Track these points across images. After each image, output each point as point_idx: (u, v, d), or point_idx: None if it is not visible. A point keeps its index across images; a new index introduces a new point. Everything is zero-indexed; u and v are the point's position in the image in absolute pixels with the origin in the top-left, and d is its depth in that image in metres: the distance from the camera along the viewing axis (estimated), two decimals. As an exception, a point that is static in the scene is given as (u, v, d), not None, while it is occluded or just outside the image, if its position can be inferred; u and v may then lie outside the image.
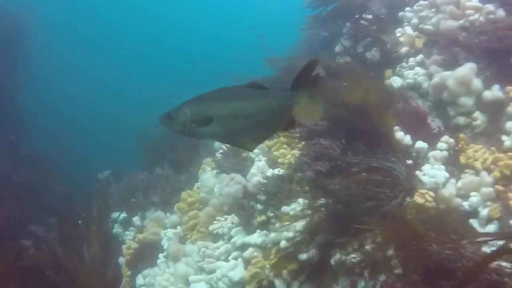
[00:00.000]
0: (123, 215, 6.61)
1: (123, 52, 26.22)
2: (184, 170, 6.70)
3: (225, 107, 2.05)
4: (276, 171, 4.79)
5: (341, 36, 6.42)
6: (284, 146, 5.00)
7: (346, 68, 4.50)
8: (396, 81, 5.15)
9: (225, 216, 4.77)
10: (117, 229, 6.45)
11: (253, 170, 4.74)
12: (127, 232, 6.30)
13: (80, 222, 5.38)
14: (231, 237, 4.59)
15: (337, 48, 6.34)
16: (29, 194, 7.43)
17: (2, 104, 9.60)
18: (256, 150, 5.20)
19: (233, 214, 4.72)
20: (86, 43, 25.48)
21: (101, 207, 5.68)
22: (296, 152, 4.86)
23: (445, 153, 4.37)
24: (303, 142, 4.50)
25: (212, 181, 5.17)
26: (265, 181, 4.67)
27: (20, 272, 4.68)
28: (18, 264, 4.77)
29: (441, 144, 4.45)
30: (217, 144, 5.87)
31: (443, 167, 4.27)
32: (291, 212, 4.41)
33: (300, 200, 4.47)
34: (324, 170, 4.10)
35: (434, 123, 4.81)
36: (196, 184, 5.87)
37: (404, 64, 5.34)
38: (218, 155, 5.51)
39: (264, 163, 4.84)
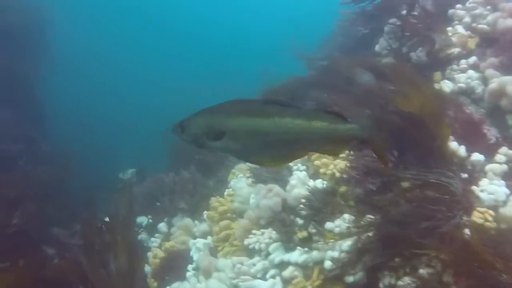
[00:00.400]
0: (149, 220, 6.33)
1: (150, 46, 25.72)
2: (212, 174, 6.38)
3: (240, 122, 1.90)
4: (318, 182, 4.42)
5: (382, 34, 5.99)
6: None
7: (396, 70, 4.09)
8: (447, 85, 4.74)
9: (262, 230, 4.43)
10: (142, 235, 6.16)
11: (293, 181, 4.39)
12: (152, 239, 6.01)
13: (104, 228, 5.08)
14: (268, 254, 4.26)
15: (378, 47, 5.93)
16: (50, 194, 7.18)
17: (22, 99, 9.36)
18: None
19: (270, 229, 4.38)
20: (111, 36, 25.10)
21: (126, 212, 5.36)
22: (340, 161, 4.49)
23: (504, 166, 3.96)
24: (350, 152, 4.11)
25: (246, 190, 4.83)
26: (306, 193, 4.31)
27: (43, 284, 4.41)
28: (42, 275, 4.49)
29: (499, 157, 4.04)
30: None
31: (503, 182, 3.86)
32: (336, 229, 4.06)
33: (346, 216, 4.11)
34: (374, 188, 3.73)
35: (490, 132, 4.39)
36: (226, 190, 5.54)
37: (454, 66, 4.93)
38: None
39: (305, 174, 4.48)
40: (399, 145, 3.90)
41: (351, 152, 4.15)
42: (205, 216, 5.55)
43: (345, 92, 4.32)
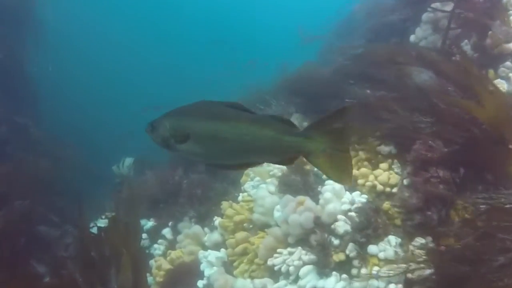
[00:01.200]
0: (151, 223, 5.67)
1: (159, 27, 24.49)
2: (222, 174, 5.70)
3: (203, 126, 1.85)
4: (356, 195, 3.78)
5: (419, 23, 5.32)
6: (365, 163, 3.97)
7: (461, 68, 3.43)
8: (502, 86, 4.09)
9: (289, 249, 3.80)
10: (143, 239, 5.50)
11: (327, 194, 3.74)
12: (155, 245, 5.36)
13: (103, 235, 4.42)
14: (298, 278, 3.65)
15: (414, 38, 5.26)
16: (40, 189, 6.48)
17: (10, 79, 8.54)
18: (325, 164, 4.19)
19: (300, 248, 3.75)
20: (114, 11, 23.74)
21: (129, 215, 4.71)
22: (381, 172, 3.85)
23: None
24: (407, 168, 3.48)
25: (269, 200, 4.17)
26: (343, 209, 3.68)
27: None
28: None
29: None
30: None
31: None
32: (381, 254, 3.44)
33: (392, 239, 3.49)
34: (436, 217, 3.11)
35: None
36: (240, 195, 4.90)
37: (509, 63, 4.28)
38: (277, 168, 4.48)
39: (341, 186, 3.82)
40: (465, 161, 3.26)
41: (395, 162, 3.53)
42: (216, 223, 4.92)
43: (393, 89, 3.65)
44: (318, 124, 1.77)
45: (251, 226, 4.49)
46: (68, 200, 7.21)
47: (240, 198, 4.89)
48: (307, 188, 4.09)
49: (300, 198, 3.83)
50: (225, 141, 1.81)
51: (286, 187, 4.23)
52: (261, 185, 4.59)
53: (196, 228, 5.00)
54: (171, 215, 5.59)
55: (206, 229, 5.03)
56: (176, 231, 5.36)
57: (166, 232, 5.35)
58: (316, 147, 1.73)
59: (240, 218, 4.49)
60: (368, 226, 3.56)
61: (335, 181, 1.86)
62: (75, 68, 18.21)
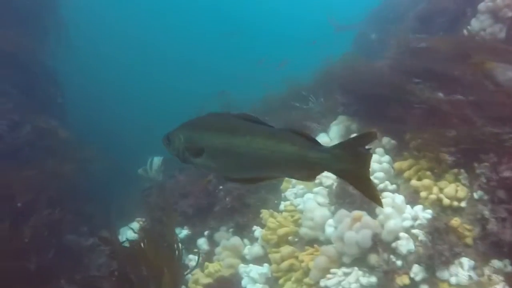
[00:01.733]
0: (185, 232, 5.36)
1: (178, 21, 24.17)
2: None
3: (217, 140, 1.76)
4: (418, 209, 3.40)
5: (475, 13, 4.86)
6: (427, 173, 3.57)
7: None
8: None
9: (344, 269, 3.44)
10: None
11: (388, 209, 3.36)
12: (190, 256, 5.05)
13: (138, 250, 4.12)
14: (356, 303, 3.27)
15: (470, 29, 4.81)
16: (67, 194, 6.23)
17: (34, 78, 8.28)
18: (379, 174, 3.81)
19: (357, 269, 3.39)
20: (132, 12, 23.43)
21: (164, 226, 4.42)
22: (446, 183, 3.46)
23: None
24: (482, 180, 3.07)
25: (320, 214, 3.81)
26: (405, 225, 3.30)
27: None
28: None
29: None
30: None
31: None
32: (452, 279, 3.06)
33: (464, 261, 3.10)
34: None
35: None
36: (282, 204, 4.56)
37: None
38: (325, 176, 4.11)
39: (403, 199, 3.44)
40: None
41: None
42: (256, 233, 4.59)
43: (469, 90, 3.22)
44: (345, 144, 1.69)
45: (296, 239, 4.15)
46: (97, 206, 7.01)
47: (282, 207, 4.55)
48: (362, 200, 3.71)
49: (356, 213, 3.46)
50: (240, 155, 1.74)
51: (338, 198, 3.86)
52: (306, 194, 4.23)
53: (235, 240, 4.66)
54: (206, 224, 5.28)
55: (245, 240, 4.70)
56: (212, 241, 5.05)
57: (202, 242, 5.04)
58: (342, 167, 1.65)
59: (284, 231, 4.14)
60: (435, 246, 3.18)
61: (370, 198, 1.69)
62: (94, 67, 18.02)
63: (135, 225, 6.16)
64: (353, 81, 4.39)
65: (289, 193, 4.64)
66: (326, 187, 4.06)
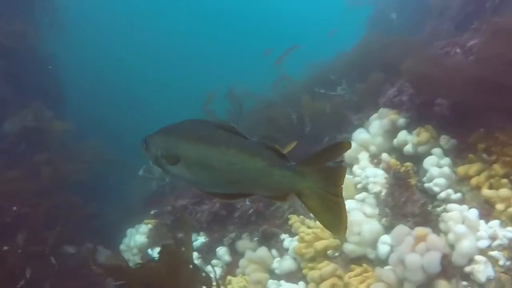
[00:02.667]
0: (202, 239, 4.79)
1: (182, 9, 23.27)
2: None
3: (192, 149, 1.64)
4: (496, 226, 2.81)
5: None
6: (503, 181, 2.97)
7: None
8: None
9: (405, 298, 2.86)
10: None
11: (459, 227, 2.77)
12: (209, 268, 4.48)
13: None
14: None
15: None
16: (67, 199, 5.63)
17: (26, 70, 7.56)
18: (440, 180, 3.22)
19: (421, 298, 2.81)
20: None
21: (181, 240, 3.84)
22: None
23: None
24: None
25: (369, 228, 3.23)
26: (481, 246, 2.72)
27: None
28: None
29: None
30: (363, 159, 3.87)
31: None
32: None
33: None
34: None
35: None
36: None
37: None
38: (371, 182, 3.51)
39: (477, 214, 2.85)
40: None
41: None
42: (286, 244, 4.02)
43: None
44: (310, 159, 1.49)
45: (336, 254, 3.57)
46: (101, 207, 6.44)
47: (315, 214, 3.96)
48: (422, 213, 3.12)
49: (420, 231, 2.87)
50: (213, 168, 1.61)
51: (389, 209, 3.27)
52: (347, 202, 3.63)
53: (262, 251, 4.09)
54: (225, 230, 4.70)
55: (273, 251, 4.12)
56: (234, 251, 4.48)
57: (223, 252, 4.46)
58: (307, 185, 1.47)
59: (323, 245, 3.56)
60: (522, 272, 2.60)
61: (329, 230, 1.51)
62: (92, 56, 17.23)
63: (144, 228, 5.60)
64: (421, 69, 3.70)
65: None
66: (373, 194, 3.46)
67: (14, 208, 4.89)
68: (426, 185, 3.29)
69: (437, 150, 3.36)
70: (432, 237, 2.81)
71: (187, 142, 1.67)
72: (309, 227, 3.85)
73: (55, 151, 6.58)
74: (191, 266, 3.71)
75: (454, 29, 5.45)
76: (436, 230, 2.98)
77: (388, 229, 3.24)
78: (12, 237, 4.33)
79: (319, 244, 3.57)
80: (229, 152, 1.56)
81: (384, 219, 3.27)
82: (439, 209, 3.13)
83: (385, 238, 3.11)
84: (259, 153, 1.53)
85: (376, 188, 3.43)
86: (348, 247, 3.32)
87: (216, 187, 1.67)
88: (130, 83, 17.27)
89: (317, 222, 3.81)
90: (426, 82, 3.37)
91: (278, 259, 4.01)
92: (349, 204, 3.56)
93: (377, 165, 3.78)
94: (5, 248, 3.90)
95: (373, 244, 3.21)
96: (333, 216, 1.45)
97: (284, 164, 1.51)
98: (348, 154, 4.01)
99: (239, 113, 6.49)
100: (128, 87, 16.68)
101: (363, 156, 3.90)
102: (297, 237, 3.99)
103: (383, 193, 3.42)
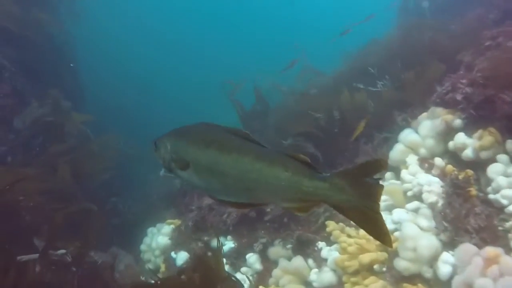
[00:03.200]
0: (230, 244, 4.48)
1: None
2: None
3: (202, 155, 1.59)
4: None
5: None
6: None
7: None
8: None
9: (472, 327, 2.50)
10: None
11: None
12: (239, 276, 4.18)
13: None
14: None
15: None
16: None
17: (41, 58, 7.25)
18: (509, 192, 2.84)
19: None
20: None
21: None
22: None
23: None
24: None
25: (426, 244, 2.88)
26: None
27: None
28: None
29: None
30: (412, 163, 3.50)
31: None
32: None
33: None
34: None
35: None
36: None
37: None
38: (426, 190, 3.13)
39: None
40: None
41: None
42: (324, 254, 3.70)
43: None
44: (349, 172, 1.45)
45: (384, 269, 3.23)
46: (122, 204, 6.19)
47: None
48: (486, 227, 2.75)
49: (491, 251, 2.51)
50: (225, 176, 1.53)
51: (449, 223, 2.90)
52: (397, 211, 3.27)
53: (298, 261, 3.77)
54: (255, 234, 4.38)
55: (310, 261, 3.80)
56: (265, 258, 4.17)
57: (253, 260, 4.15)
58: (346, 199, 1.42)
59: (369, 258, 3.22)
60: None
61: (377, 239, 1.44)
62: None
63: (167, 229, 5.32)
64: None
65: (404, 229, 3.70)
66: (428, 204, 3.09)
67: (31, 204, 4.62)
68: (491, 196, 2.91)
69: (503, 157, 2.98)
70: (506, 260, 2.45)
71: (197, 147, 1.61)
72: (349, 236, 3.51)
73: (73, 145, 6.28)
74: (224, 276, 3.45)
75: (502, 18, 5.02)
76: (506, 249, 2.62)
77: (447, 245, 2.88)
78: (29, 242, 4.10)
79: (365, 257, 3.23)
80: (244, 159, 1.51)
81: (442, 234, 2.90)
82: (507, 224, 2.76)
83: (447, 256, 2.76)
84: (279, 162, 1.48)
85: (432, 198, 3.06)
86: (401, 264, 2.97)
87: (228, 194, 1.60)
88: (149, 73, 16.95)
89: (360, 232, 3.48)
90: (493, 77, 2.98)
91: (316, 270, 3.70)
92: (399, 214, 3.20)
93: (428, 170, 3.41)
94: (25, 258, 3.63)
95: (430, 262, 2.86)
96: (374, 229, 1.43)
97: (315, 175, 1.45)
98: (394, 156, 3.65)
99: (266, 107, 6.13)
100: (147, 77, 16.36)
101: (412, 160, 3.53)
102: (336, 245, 3.67)
103: (439, 204, 3.05)
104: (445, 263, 2.74)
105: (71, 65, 7.70)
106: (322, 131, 4.50)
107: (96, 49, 14.01)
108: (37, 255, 4.00)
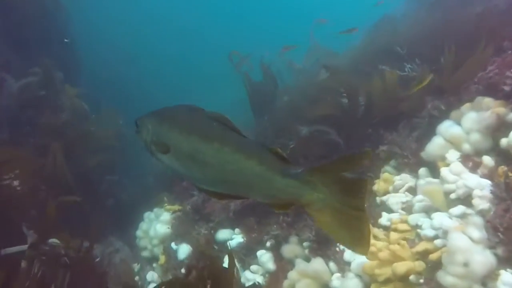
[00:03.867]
0: (238, 238, 4.08)
1: None
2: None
3: (183, 141, 1.53)
4: None
5: None
6: None
7: None
8: None
9: None
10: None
11: None
12: (248, 274, 3.81)
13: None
14: None
15: None
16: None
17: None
18: None
19: None
20: None
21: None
22: None
23: None
24: None
25: (481, 260, 2.48)
26: None
27: None
28: None
29: None
30: (454, 161, 3.08)
31: None
32: None
33: None
34: None
35: None
36: (385, 216, 3.26)
37: None
38: (478, 196, 2.72)
39: None
40: None
41: None
42: (346, 257, 3.32)
43: None
44: (324, 167, 1.33)
45: (421, 280, 2.85)
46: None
47: (384, 220, 3.24)
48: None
49: None
50: (206, 165, 1.48)
51: (504, 235, 2.50)
52: (438, 216, 2.87)
53: (318, 264, 3.38)
54: (266, 226, 3.99)
55: (331, 264, 3.41)
56: (278, 256, 3.78)
57: (266, 259, 3.77)
58: (319, 198, 1.32)
59: (405, 268, 2.83)
60: None
61: (346, 246, 1.37)
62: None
63: (166, 216, 4.91)
64: None
65: (393, 200, 3.32)
66: (479, 212, 2.69)
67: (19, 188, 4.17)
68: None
69: None
70: None
71: (179, 132, 1.55)
72: (377, 238, 3.13)
73: (67, 121, 5.79)
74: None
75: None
76: None
77: (504, 261, 2.49)
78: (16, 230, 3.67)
79: (401, 267, 2.84)
80: (224, 149, 1.44)
81: (500, 250, 2.51)
82: None
83: (508, 277, 2.36)
84: (255, 155, 1.41)
85: (484, 205, 2.66)
86: (448, 279, 2.57)
87: (208, 184, 1.53)
88: (149, 49, 16.31)
89: (392, 236, 3.09)
90: None
91: (338, 275, 3.32)
92: (441, 219, 2.80)
93: (472, 169, 3.00)
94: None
95: (484, 280, 2.47)
96: (352, 232, 1.30)
97: (288, 171, 1.37)
98: (431, 151, 3.24)
99: (275, 86, 5.63)
100: (147, 53, 15.71)
101: (453, 156, 3.11)
102: (361, 248, 3.28)
103: (492, 211, 2.65)
104: (506, 286, 2.35)
105: (66, 40, 7.13)
106: (345, 115, 4.06)
107: (93, 24, 13.34)
108: (25, 246, 3.62)
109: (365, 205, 1.32)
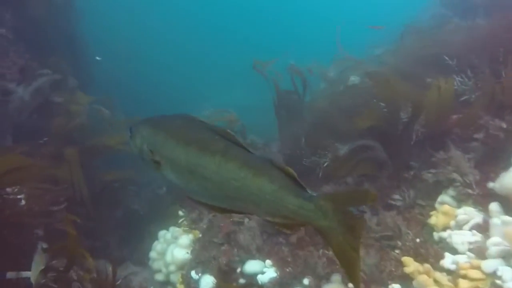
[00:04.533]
0: (270, 272, 3.63)
1: None
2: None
3: (181, 154, 1.46)
4: None
5: None
6: None
7: None
8: None
9: None
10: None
11: None
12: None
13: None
14: None
15: None
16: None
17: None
18: None
19: None
20: None
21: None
22: None
23: None
24: None
25: None
26: None
27: None
28: None
29: None
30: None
31: None
32: None
33: None
34: None
35: None
36: (450, 258, 2.85)
37: None
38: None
39: None
40: None
41: None
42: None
43: None
44: (337, 197, 1.35)
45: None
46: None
47: (448, 262, 2.80)
48: None
49: None
50: (206, 180, 1.42)
51: None
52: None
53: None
54: (303, 262, 3.53)
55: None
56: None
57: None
58: (329, 226, 1.33)
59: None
60: None
61: (347, 272, 1.36)
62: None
63: (185, 239, 4.45)
64: None
65: (457, 239, 2.88)
66: None
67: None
68: None
69: None
70: None
71: (176, 142, 1.47)
72: (439, 284, 2.70)
73: (81, 126, 5.43)
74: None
75: None
76: None
77: None
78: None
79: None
80: (228, 165, 1.38)
81: None
82: None
83: None
84: (265, 172, 1.36)
85: None
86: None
87: (206, 198, 1.46)
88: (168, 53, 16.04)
89: (464, 284, 2.65)
90: None
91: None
92: None
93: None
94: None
95: None
96: (346, 267, 1.35)
97: (301, 193, 1.35)
98: (507, 183, 2.80)
99: (303, 93, 5.16)
100: (164, 58, 15.44)
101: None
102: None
103: None
104: None
105: (98, 58, 6.86)
106: (391, 127, 3.63)
107: (104, 23, 13.08)
108: (30, 272, 3.25)
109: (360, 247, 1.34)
